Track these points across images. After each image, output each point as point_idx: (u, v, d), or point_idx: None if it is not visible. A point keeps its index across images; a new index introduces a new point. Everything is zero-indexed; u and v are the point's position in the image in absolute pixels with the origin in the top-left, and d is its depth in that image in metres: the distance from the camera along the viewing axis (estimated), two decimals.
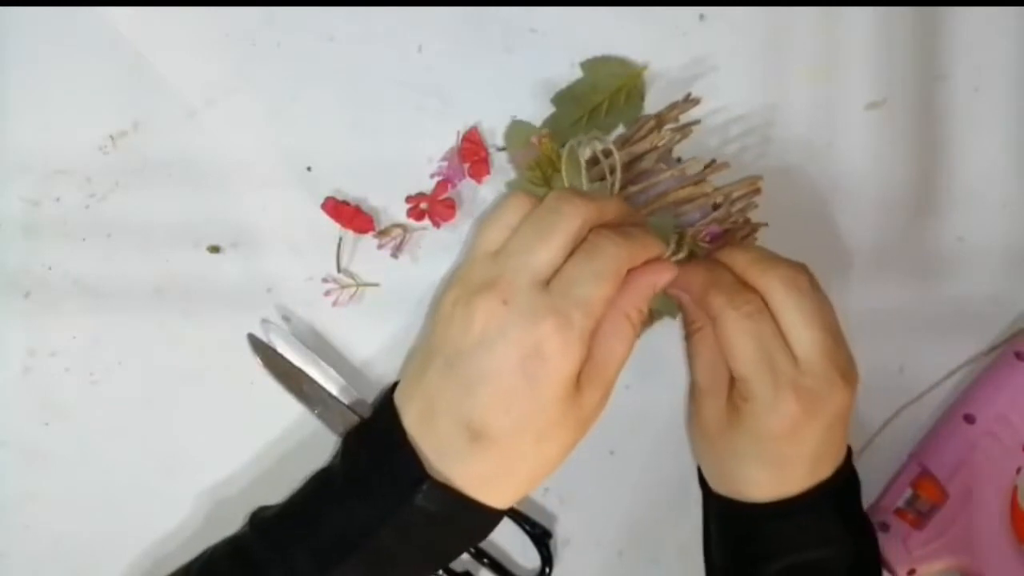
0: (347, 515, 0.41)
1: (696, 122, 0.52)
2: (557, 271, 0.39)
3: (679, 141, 0.50)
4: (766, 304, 0.43)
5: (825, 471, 0.44)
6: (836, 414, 0.43)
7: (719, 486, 0.47)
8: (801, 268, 0.45)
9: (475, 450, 0.39)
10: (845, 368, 0.43)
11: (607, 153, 0.45)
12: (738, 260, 0.45)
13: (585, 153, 0.46)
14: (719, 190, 0.49)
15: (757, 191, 0.50)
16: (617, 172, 0.45)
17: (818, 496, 0.44)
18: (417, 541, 0.40)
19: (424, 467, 0.40)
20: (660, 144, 0.49)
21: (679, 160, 0.51)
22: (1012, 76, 0.55)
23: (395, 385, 0.46)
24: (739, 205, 0.50)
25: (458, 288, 0.41)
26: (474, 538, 0.44)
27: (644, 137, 0.49)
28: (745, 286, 0.44)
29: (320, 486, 0.43)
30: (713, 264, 0.46)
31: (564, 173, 0.46)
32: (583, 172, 0.46)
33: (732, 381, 0.45)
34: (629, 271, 0.41)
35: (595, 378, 0.40)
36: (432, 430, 0.40)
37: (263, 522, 0.44)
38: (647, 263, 0.42)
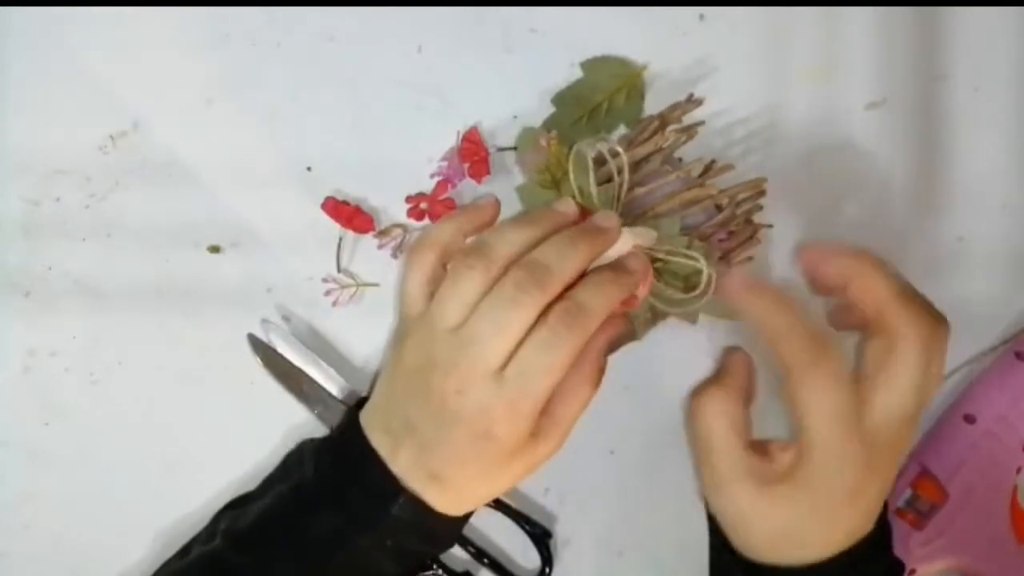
0: (326, 525, 0.43)
1: (700, 123, 0.51)
2: (512, 353, 0.41)
3: (685, 143, 0.50)
4: (876, 335, 0.42)
5: (868, 525, 0.43)
6: (894, 472, 0.42)
7: (751, 550, 0.43)
8: (942, 324, 0.42)
9: (434, 485, 0.43)
10: (911, 433, 0.42)
11: (614, 154, 0.45)
12: (880, 290, 0.42)
13: (592, 154, 0.46)
14: (724, 192, 0.49)
15: (762, 193, 0.50)
16: (625, 173, 0.45)
17: (865, 549, 0.43)
18: (392, 546, 0.43)
19: (398, 482, 0.43)
20: (665, 146, 0.49)
21: (680, 160, 0.51)
22: (1012, 76, 0.55)
23: (361, 401, 0.47)
24: (744, 207, 0.50)
25: (416, 356, 0.43)
26: (444, 541, 0.47)
27: (648, 139, 0.49)
28: (825, 338, 0.41)
29: (294, 498, 0.45)
30: (784, 304, 0.42)
31: (571, 175, 0.46)
32: (591, 174, 0.46)
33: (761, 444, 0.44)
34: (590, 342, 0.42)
35: (551, 433, 0.43)
36: (397, 461, 0.43)
37: (239, 535, 0.45)
38: (601, 334, 0.43)
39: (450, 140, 0.53)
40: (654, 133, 0.50)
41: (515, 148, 0.53)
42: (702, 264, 0.44)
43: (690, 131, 0.50)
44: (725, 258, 0.50)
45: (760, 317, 0.42)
